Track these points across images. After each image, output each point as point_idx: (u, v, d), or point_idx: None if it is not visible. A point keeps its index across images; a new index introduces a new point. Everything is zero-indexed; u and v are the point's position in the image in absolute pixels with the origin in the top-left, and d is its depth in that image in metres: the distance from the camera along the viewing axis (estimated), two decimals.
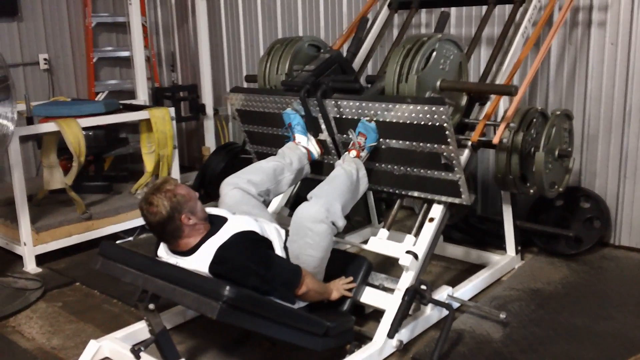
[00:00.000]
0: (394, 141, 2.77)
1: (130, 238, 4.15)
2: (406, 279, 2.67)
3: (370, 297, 2.74)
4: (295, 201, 3.23)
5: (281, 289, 2.42)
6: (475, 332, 2.78)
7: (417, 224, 2.82)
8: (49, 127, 3.67)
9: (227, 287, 2.10)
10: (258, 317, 2.22)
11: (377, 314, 2.70)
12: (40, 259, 3.70)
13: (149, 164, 4.17)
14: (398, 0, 3.66)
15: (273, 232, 2.60)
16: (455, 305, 2.84)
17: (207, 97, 5.16)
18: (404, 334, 2.64)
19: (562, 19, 3.10)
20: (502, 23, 3.47)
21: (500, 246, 3.50)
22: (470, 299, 3.03)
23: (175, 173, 4.24)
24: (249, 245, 2.40)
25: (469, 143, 2.83)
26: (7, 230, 3.84)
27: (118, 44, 5.83)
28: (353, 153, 2.81)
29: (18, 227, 3.62)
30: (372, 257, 2.93)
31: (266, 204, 2.90)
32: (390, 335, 2.50)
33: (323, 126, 2.97)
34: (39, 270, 3.64)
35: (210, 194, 4.33)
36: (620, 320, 2.84)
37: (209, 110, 5.18)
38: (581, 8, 3.55)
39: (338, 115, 2.88)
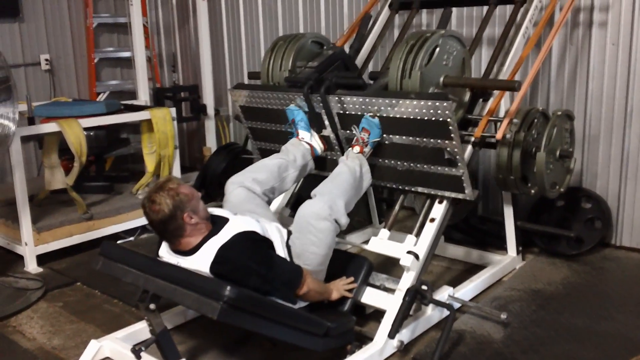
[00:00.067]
0: (397, 137, 2.77)
1: (131, 238, 4.16)
2: (407, 279, 2.67)
3: (371, 297, 2.74)
4: (297, 201, 3.23)
5: (282, 289, 2.42)
6: (476, 333, 2.78)
7: (418, 224, 2.82)
8: (51, 127, 3.68)
9: (228, 288, 2.10)
10: (259, 318, 2.22)
11: (378, 314, 2.70)
12: (41, 259, 3.71)
13: (150, 164, 4.18)
14: (399, 0, 3.66)
15: (274, 232, 2.60)
16: (456, 305, 2.83)
17: (208, 98, 5.16)
18: (404, 335, 2.64)
19: (563, 19, 3.10)
20: (503, 23, 3.46)
21: (501, 246, 3.50)
22: (471, 300, 3.03)
23: (176, 173, 4.24)
24: (250, 245, 2.41)
25: (472, 139, 2.83)
26: (9, 230, 3.85)
27: (119, 45, 5.83)
28: (356, 149, 2.81)
29: (19, 227, 3.62)
30: (373, 257, 2.93)
31: (269, 202, 2.91)
32: (391, 335, 2.50)
33: (326, 122, 2.97)
34: (40, 270, 3.65)
35: (211, 194, 4.34)
36: (622, 320, 2.83)
37: (210, 111, 5.18)
38: (582, 8, 3.55)
39: (341, 111, 2.88)
